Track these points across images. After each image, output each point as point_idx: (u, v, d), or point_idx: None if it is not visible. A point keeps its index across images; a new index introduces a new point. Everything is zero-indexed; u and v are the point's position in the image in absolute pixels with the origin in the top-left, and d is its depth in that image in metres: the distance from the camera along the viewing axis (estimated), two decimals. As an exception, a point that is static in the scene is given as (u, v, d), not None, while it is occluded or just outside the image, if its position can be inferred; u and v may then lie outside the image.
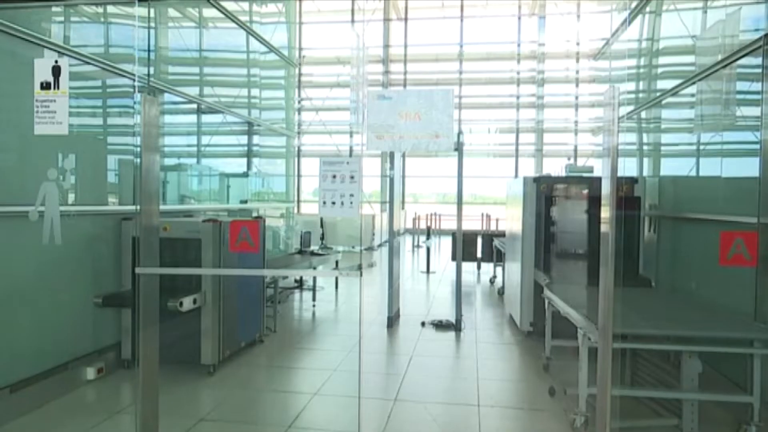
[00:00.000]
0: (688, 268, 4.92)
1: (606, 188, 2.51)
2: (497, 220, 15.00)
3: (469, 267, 11.18)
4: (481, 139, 23.04)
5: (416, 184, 24.27)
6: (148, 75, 2.84)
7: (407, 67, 23.39)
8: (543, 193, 5.62)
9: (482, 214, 20.22)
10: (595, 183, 5.74)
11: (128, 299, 4.33)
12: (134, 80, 3.25)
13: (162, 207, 5.89)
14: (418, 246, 16.99)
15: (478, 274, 10.93)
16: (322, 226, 16.10)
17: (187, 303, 4.15)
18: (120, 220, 4.55)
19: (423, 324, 6.36)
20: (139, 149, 2.83)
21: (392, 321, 6.30)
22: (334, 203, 2.66)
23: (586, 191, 5.59)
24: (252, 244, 2.72)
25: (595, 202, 5.51)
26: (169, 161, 6.23)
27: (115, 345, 4.57)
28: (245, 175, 8.91)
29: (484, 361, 4.98)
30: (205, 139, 7.43)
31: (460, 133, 6.12)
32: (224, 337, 4.61)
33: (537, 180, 5.65)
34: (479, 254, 10.88)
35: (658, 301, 4.45)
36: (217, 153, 7.92)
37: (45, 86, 2.97)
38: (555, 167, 17.52)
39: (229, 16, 6.97)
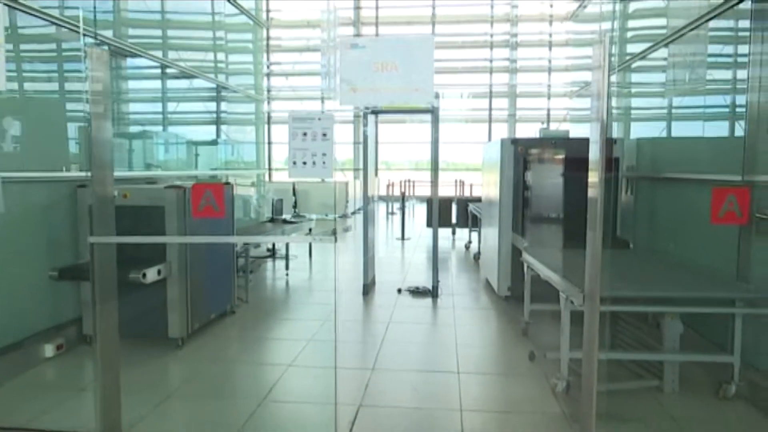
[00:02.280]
0: (667, 229, 4.88)
1: (595, 152, 2.36)
2: (471, 186, 14.92)
3: (444, 233, 11.11)
4: (454, 104, 22.77)
5: (389, 150, 23.98)
6: (95, 23, 2.53)
7: (379, 30, 22.81)
8: (521, 156, 5.48)
9: (456, 180, 20.16)
10: (572, 145, 5.62)
11: (86, 272, 4.04)
12: (79, 32, 2.92)
13: (126, 173, 5.61)
14: (392, 213, 16.86)
15: (453, 239, 10.87)
16: (294, 193, 15.79)
17: (151, 274, 3.92)
18: (75, 188, 4.25)
19: (399, 291, 6.25)
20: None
21: (368, 288, 6.17)
22: (305, 163, 2.45)
23: (563, 154, 5.48)
24: (217, 209, 2.50)
25: (572, 164, 5.40)
26: (134, 129, 5.93)
27: (76, 320, 4.32)
28: (214, 143, 8.59)
29: (463, 327, 4.90)
30: (171, 106, 7.13)
31: (436, 96, 5.90)
32: (192, 309, 4.40)
33: (515, 142, 5.51)
34: (454, 220, 10.82)
35: (636, 263, 4.40)
36: (184, 120, 7.61)
37: (-24, 36, 2.66)
38: (528, 132, 17.43)
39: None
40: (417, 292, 6.21)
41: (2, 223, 3.68)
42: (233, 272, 5.30)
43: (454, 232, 11.13)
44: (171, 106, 7.00)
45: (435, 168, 6.01)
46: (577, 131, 9.78)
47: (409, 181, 19.52)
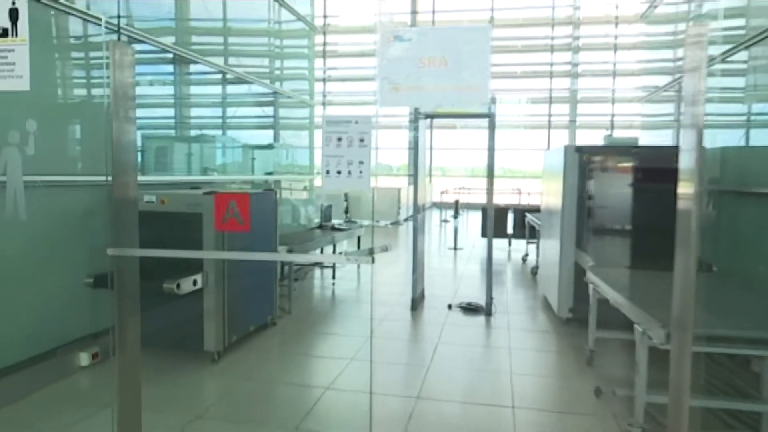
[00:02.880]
0: (756, 250, 4.27)
1: (689, 162, 1.94)
2: (529, 194, 14.28)
3: (499, 243, 10.61)
4: (511, 110, 22.06)
5: (444, 157, 23.53)
6: (118, 18, 2.35)
7: (436, 35, 22.46)
8: (586, 165, 4.99)
9: (513, 189, 19.49)
10: (645, 154, 5.09)
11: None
12: (102, 25, 2.75)
13: (184, 178, 5.52)
14: (446, 221, 16.43)
15: (509, 251, 10.35)
16: (346, 199, 15.66)
17: (186, 285, 3.73)
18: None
19: (450, 307, 5.87)
20: (110, 107, 2.36)
21: (416, 303, 5.83)
22: (339, 172, 2.14)
23: (633, 163, 4.96)
24: (242, 222, 2.24)
25: (645, 174, 4.88)
26: (193, 132, 6.04)
27: (111, 329, 4.20)
28: (270, 146, 8.52)
29: (518, 352, 4.47)
30: (229, 111, 7.15)
31: (492, 101, 5.49)
32: (230, 321, 4.20)
33: (580, 150, 5.03)
34: (510, 230, 10.30)
35: (723, 290, 3.84)
36: (241, 125, 7.64)
37: (1, 33, 2.51)
38: (590, 139, 16.55)
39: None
40: (469, 308, 5.81)
41: (41, 227, 3.58)
42: (275, 281, 5.09)
43: (510, 243, 10.60)
44: (229, 111, 7.05)
45: (491, 175, 5.60)
46: (647, 139, 9.09)
47: (463, 188, 19.04)
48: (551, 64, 21.78)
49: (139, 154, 4.98)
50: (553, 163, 5.77)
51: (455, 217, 11.16)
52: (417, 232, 5.92)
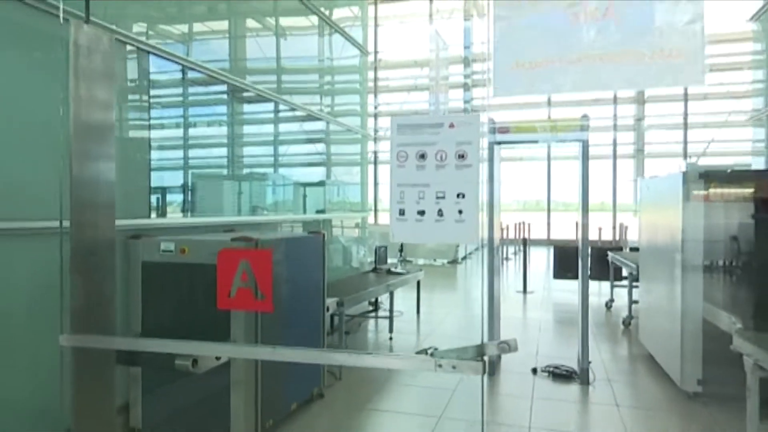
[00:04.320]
0: None
1: None
2: (600, 229, 12.96)
3: (571, 286, 9.39)
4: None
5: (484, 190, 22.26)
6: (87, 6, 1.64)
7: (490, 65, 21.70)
8: (716, 196, 3.91)
9: (576, 223, 17.98)
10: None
11: (135, 354, 3.14)
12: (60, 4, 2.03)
13: (232, 219, 4.87)
14: (507, 258, 15.23)
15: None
16: (400, 237, 14.76)
17: (205, 360, 2.87)
18: (127, 239, 3.38)
19: (535, 371, 4.78)
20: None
21: (494, 366, 4.78)
22: (422, 214, 1.23)
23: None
24: (260, 297, 1.37)
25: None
26: (244, 171, 5.72)
27: (122, 408, 3.39)
28: (321, 183, 7.85)
29: (642, 446, 3.36)
30: (282, 149, 6.71)
31: (585, 121, 4.49)
32: (265, 401, 3.30)
33: (705, 176, 3.95)
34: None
35: None
36: (292, 162, 7.19)
37: None
38: (666, 168, 15.13)
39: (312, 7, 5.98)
40: (558, 374, 4.71)
41: (27, 284, 2.84)
42: (323, 339, 4.18)
43: (587, 286, 9.34)
44: (281, 149, 6.71)
45: (585, 208, 4.57)
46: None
47: (523, 223, 17.83)
48: (615, 91, 20.53)
49: (182, 193, 4.47)
50: (660, 193, 4.69)
51: (524, 255, 10.04)
52: (493, 276, 4.91)
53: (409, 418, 3.86)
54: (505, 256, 15.69)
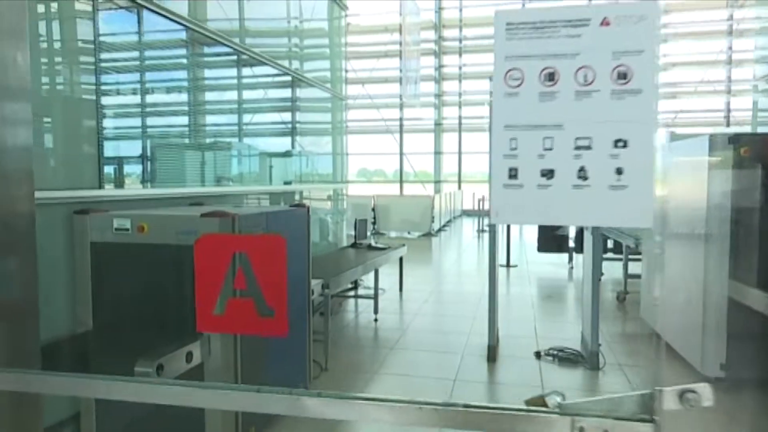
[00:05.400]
0: None
1: None
2: None
3: (554, 259, 9.12)
4: None
5: (455, 161, 21.86)
6: None
7: (464, 32, 21.07)
8: (747, 161, 3.51)
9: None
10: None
11: (81, 351, 2.57)
12: None
13: (196, 190, 4.35)
14: (483, 230, 14.92)
15: (571, 268, 8.83)
16: (374, 209, 14.25)
17: (173, 364, 2.32)
18: (71, 215, 2.76)
19: (538, 355, 4.40)
20: None
21: (493, 351, 4.37)
22: (549, 176, 0.71)
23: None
24: (266, 313, 0.84)
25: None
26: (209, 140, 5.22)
27: (72, 419, 2.82)
28: (288, 154, 7.26)
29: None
30: (246, 117, 6.12)
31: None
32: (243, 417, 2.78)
33: (735, 140, 3.55)
34: (572, 243, 8.77)
35: None
36: (258, 131, 6.62)
37: None
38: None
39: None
40: (564, 358, 4.34)
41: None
42: (309, 332, 3.67)
43: (571, 259, 9.08)
44: (246, 117, 6.14)
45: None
46: None
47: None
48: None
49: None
50: (678, 159, 4.29)
51: (507, 227, 9.65)
52: (494, 255, 4.46)
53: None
54: (480, 228, 15.39)
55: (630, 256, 6.41)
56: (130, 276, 2.69)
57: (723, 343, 3.64)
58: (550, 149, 0.78)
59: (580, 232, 8.46)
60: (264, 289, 0.90)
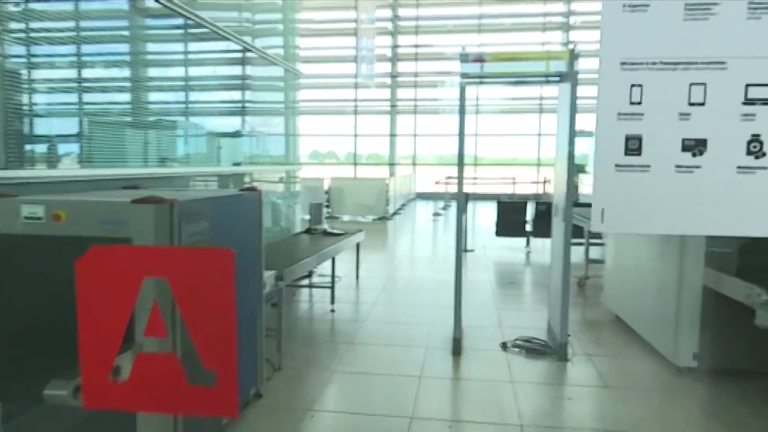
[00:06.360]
0: None
1: None
2: (545, 182, 12.70)
3: (511, 243, 9.03)
4: (493, 93, 20.33)
5: (409, 144, 21.65)
6: None
7: (420, 12, 20.68)
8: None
9: (507, 178, 17.99)
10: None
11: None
12: None
13: (133, 171, 3.92)
14: (438, 214, 14.78)
15: (528, 252, 8.76)
16: (327, 192, 13.82)
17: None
18: (-31, 201, 2.29)
19: (504, 346, 4.20)
20: None
21: (458, 344, 4.13)
22: (698, 152, 0.43)
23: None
24: (203, 379, 0.48)
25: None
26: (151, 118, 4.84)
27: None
28: (237, 134, 6.82)
29: (657, 443, 2.84)
30: (192, 95, 5.80)
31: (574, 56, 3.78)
32: (187, 420, 2.41)
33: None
34: (529, 227, 8.67)
35: None
36: (205, 110, 6.19)
37: None
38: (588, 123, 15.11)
39: None
40: (531, 349, 4.15)
41: None
42: (260, 331, 3.31)
43: (528, 243, 9.01)
44: (193, 96, 5.69)
45: (571, 161, 3.89)
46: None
47: (450, 177, 17.42)
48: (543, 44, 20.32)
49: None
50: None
51: (463, 211, 9.48)
52: (460, 242, 4.20)
53: (368, 419, 3.12)
54: (436, 211, 15.25)
55: (591, 241, 6.33)
56: (42, 275, 2.25)
57: (696, 332, 3.52)
58: (700, 104, 0.47)
59: (539, 215, 8.37)
60: (198, 337, 0.57)
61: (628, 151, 0.49)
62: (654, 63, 0.48)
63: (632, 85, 0.47)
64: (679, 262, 3.56)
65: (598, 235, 6.25)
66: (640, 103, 0.47)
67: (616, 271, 4.90)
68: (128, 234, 2.13)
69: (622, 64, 0.49)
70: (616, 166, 0.51)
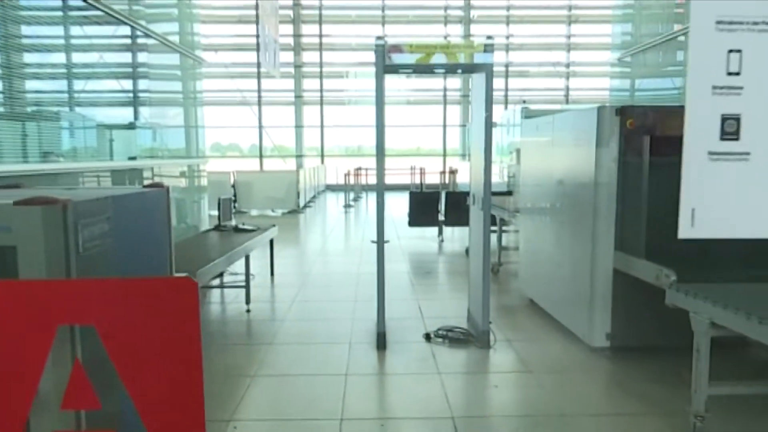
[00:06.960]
0: None
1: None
2: (454, 173, 12.95)
3: (425, 232, 9.14)
4: (397, 84, 20.51)
5: (315, 135, 21.42)
6: None
7: (323, 2, 20.35)
8: (634, 133, 3.52)
9: (413, 168, 18.18)
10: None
11: None
12: None
13: (10, 168, 3.46)
14: (349, 206, 14.70)
15: (441, 241, 8.90)
16: (233, 186, 13.26)
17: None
18: None
19: (428, 337, 4.18)
20: None
21: (382, 338, 4.06)
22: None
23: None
24: None
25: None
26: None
27: None
28: (132, 126, 6.32)
29: (585, 421, 2.92)
30: (78, 84, 5.35)
31: (488, 48, 3.80)
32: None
33: (622, 112, 3.54)
34: (442, 217, 8.80)
35: None
36: (94, 100, 5.68)
37: None
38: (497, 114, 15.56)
39: None
40: (454, 338, 4.17)
41: None
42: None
43: (441, 232, 9.15)
44: (79, 84, 5.22)
45: (488, 151, 3.92)
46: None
47: (360, 168, 17.41)
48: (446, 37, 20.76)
49: None
50: (562, 131, 4.27)
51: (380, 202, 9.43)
52: (382, 240, 4.11)
53: (296, 425, 2.96)
54: (346, 203, 15.15)
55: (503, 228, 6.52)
56: None
57: (608, 313, 3.69)
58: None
59: (450, 205, 8.53)
60: (143, 408, 0.39)
61: (725, 135, 0.43)
62: (756, 23, 0.41)
63: (730, 51, 0.40)
64: (590, 247, 3.71)
65: (508, 223, 6.45)
66: (738, 74, 0.41)
67: (530, 256, 5.06)
68: (12, 242, 1.82)
69: (718, 23, 0.42)
70: (710, 153, 0.45)
